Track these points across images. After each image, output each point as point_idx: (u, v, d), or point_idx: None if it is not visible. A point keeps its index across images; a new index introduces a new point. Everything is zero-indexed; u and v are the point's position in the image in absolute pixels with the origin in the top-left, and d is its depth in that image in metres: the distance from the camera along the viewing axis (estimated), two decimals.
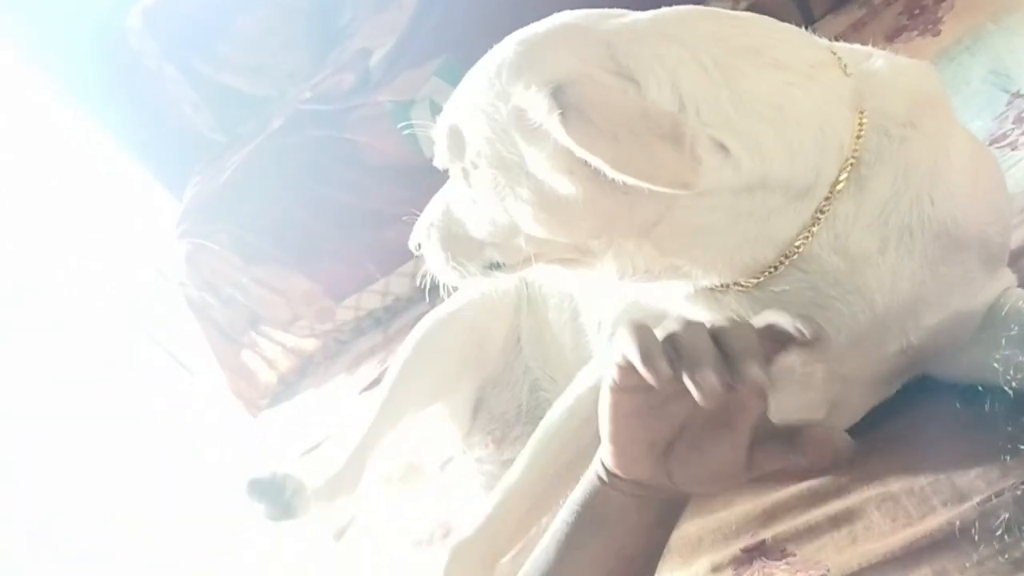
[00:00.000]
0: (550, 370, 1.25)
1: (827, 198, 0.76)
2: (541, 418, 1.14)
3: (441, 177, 2.59)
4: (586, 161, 0.72)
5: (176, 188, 2.94)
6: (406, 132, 2.34)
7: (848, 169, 0.76)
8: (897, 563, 0.79)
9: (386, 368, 2.28)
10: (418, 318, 2.54)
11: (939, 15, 1.62)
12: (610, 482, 0.72)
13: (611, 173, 0.70)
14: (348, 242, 2.57)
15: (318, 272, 2.62)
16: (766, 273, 0.80)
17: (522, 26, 2.36)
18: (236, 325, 2.70)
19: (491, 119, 0.80)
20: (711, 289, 0.84)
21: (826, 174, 0.76)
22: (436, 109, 2.57)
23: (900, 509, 0.83)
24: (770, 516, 0.95)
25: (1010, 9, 1.46)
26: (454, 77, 2.28)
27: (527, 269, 0.90)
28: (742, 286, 0.82)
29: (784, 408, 0.87)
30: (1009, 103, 1.27)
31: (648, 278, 0.84)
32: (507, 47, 0.83)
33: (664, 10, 0.82)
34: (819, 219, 0.77)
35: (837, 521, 0.88)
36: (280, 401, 2.76)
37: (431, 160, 2.57)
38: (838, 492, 0.90)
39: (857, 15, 1.78)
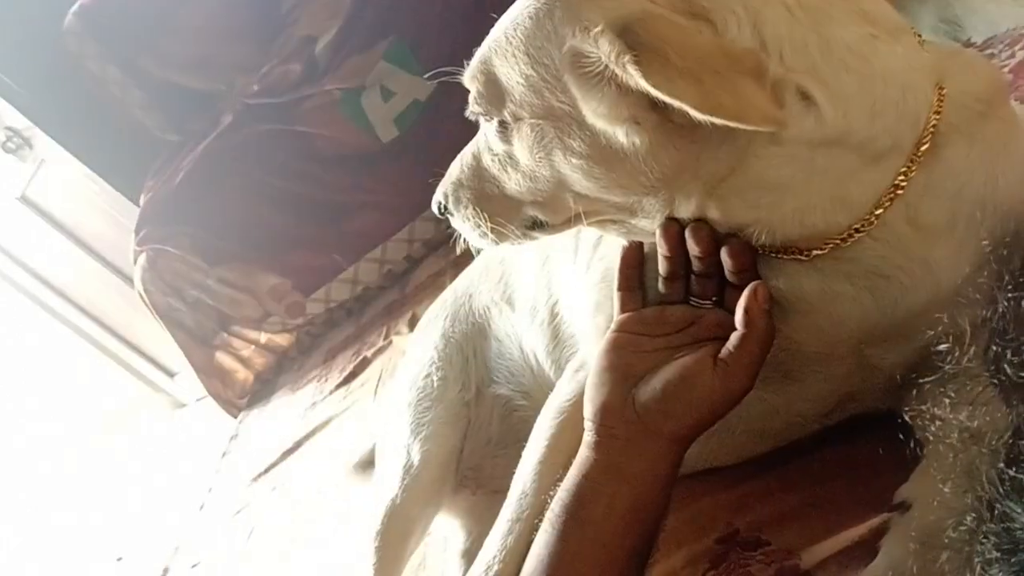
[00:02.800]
0: (525, 386, 1.23)
1: (907, 167, 0.72)
2: (515, 438, 1.13)
3: (404, 160, 2.55)
4: (653, 107, 0.67)
5: (134, 194, 2.88)
6: (360, 119, 2.30)
7: (928, 140, 0.72)
8: (867, 547, 0.78)
9: (362, 359, 2.27)
10: (389, 305, 2.55)
11: None
12: (588, 440, 0.78)
13: (696, 115, 0.63)
14: (312, 234, 2.53)
15: (285, 266, 2.58)
16: (837, 241, 0.74)
17: (473, 3, 2.29)
18: (206, 327, 2.66)
19: (538, 64, 0.74)
20: (761, 253, 0.77)
21: (903, 141, 0.71)
22: (387, 94, 2.53)
23: (870, 492, 0.82)
24: (742, 504, 0.94)
25: None
26: (403, 60, 2.26)
27: (573, 228, 0.84)
28: (805, 254, 0.75)
29: (799, 397, 0.85)
30: None
31: None
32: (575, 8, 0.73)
33: None
34: (901, 186, 0.72)
35: (808, 508, 0.87)
36: (258, 400, 2.73)
37: (388, 144, 2.54)
38: (810, 478, 0.89)
39: None
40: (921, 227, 0.73)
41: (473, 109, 0.82)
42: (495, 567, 0.92)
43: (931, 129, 0.72)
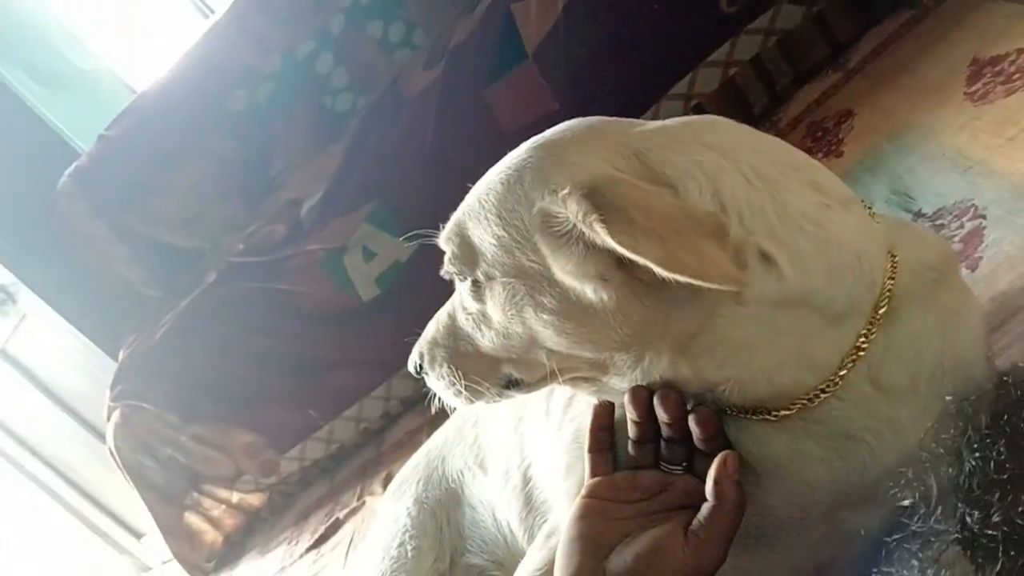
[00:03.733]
0: (499, 556, 1.20)
1: (867, 329, 0.74)
2: None
3: (383, 318, 2.56)
4: (619, 265, 0.70)
5: (114, 351, 2.88)
6: (341, 278, 2.34)
7: (884, 304, 0.75)
8: None
9: (334, 520, 2.21)
10: (364, 464, 2.50)
11: (840, 136, 1.68)
12: None
13: (660, 272, 0.66)
14: (288, 391, 2.51)
15: (259, 424, 2.55)
16: (804, 402, 0.75)
17: (449, 171, 2.39)
18: (176, 486, 2.59)
19: (509, 225, 0.77)
20: (730, 415, 0.78)
21: (860, 304, 0.74)
22: (369, 255, 2.59)
23: None
24: None
25: (904, 128, 1.52)
26: (384, 222, 2.33)
27: (548, 385, 0.85)
28: (773, 415, 0.76)
29: (776, 565, 0.83)
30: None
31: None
32: (525, 153, 0.80)
33: (695, 118, 0.81)
34: (862, 348, 0.74)
35: None
36: (226, 564, 2.63)
37: (368, 302, 2.56)
38: None
39: None
40: (883, 388, 0.75)
41: (448, 269, 0.85)
42: None
43: (887, 293, 0.75)
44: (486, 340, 0.84)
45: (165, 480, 2.58)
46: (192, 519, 2.64)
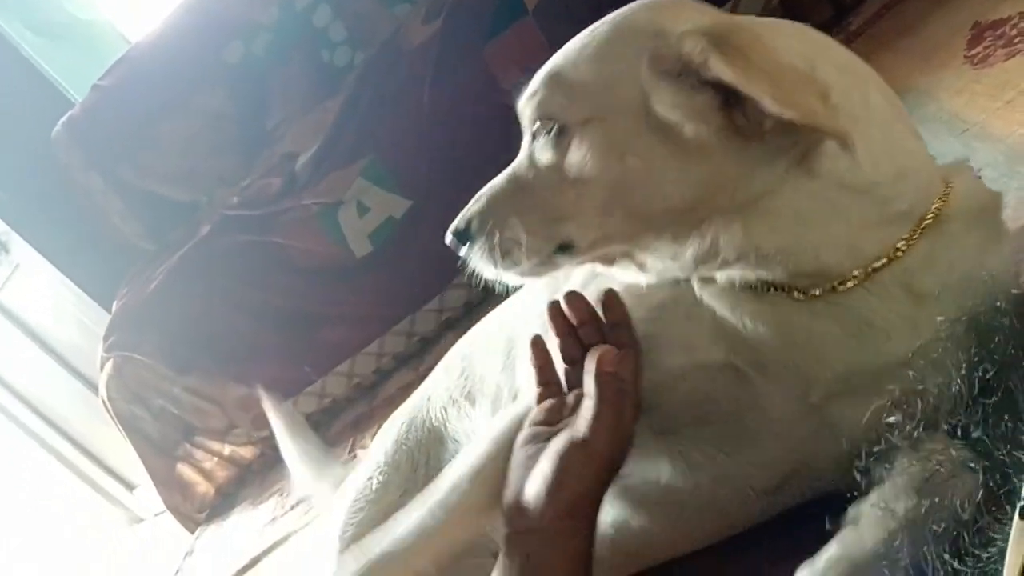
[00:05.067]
0: None
1: (910, 235, 0.78)
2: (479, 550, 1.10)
3: (376, 275, 2.56)
4: (721, 108, 0.74)
5: (107, 303, 2.88)
6: (335, 233, 2.34)
7: (932, 217, 0.79)
8: None
9: None
10: (356, 418, 2.52)
11: None
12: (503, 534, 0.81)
13: (771, 108, 0.69)
14: (282, 345, 2.52)
15: (253, 377, 2.55)
16: (835, 284, 0.79)
17: (446, 127, 2.36)
18: (169, 438, 2.61)
19: (614, 65, 0.80)
20: (753, 289, 0.81)
21: (913, 211, 0.79)
22: (363, 209, 2.57)
23: None
24: None
25: (903, 90, 1.51)
26: (380, 177, 2.32)
27: (594, 255, 0.86)
28: (801, 293, 0.80)
29: (752, 462, 0.85)
30: None
31: (709, 268, 0.82)
32: (635, 6, 0.84)
33: (777, 19, 0.86)
34: (901, 250, 0.78)
35: None
36: (218, 515, 2.65)
37: (361, 259, 2.56)
38: None
39: None
40: (912, 291, 0.79)
41: (534, 120, 0.86)
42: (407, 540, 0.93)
43: (935, 210, 0.80)
44: (556, 194, 0.84)
45: (158, 431, 2.60)
46: (184, 470, 2.66)
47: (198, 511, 2.70)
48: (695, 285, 0.86)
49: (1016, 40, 1.38)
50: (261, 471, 2.68)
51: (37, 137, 2.84)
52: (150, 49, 2.85)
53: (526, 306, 1.16)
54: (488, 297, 2.19)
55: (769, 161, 0.75)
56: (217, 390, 2.55)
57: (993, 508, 0.59)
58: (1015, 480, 0.45)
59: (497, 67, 2.10)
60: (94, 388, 3.02)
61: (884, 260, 0.78)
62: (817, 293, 0.79)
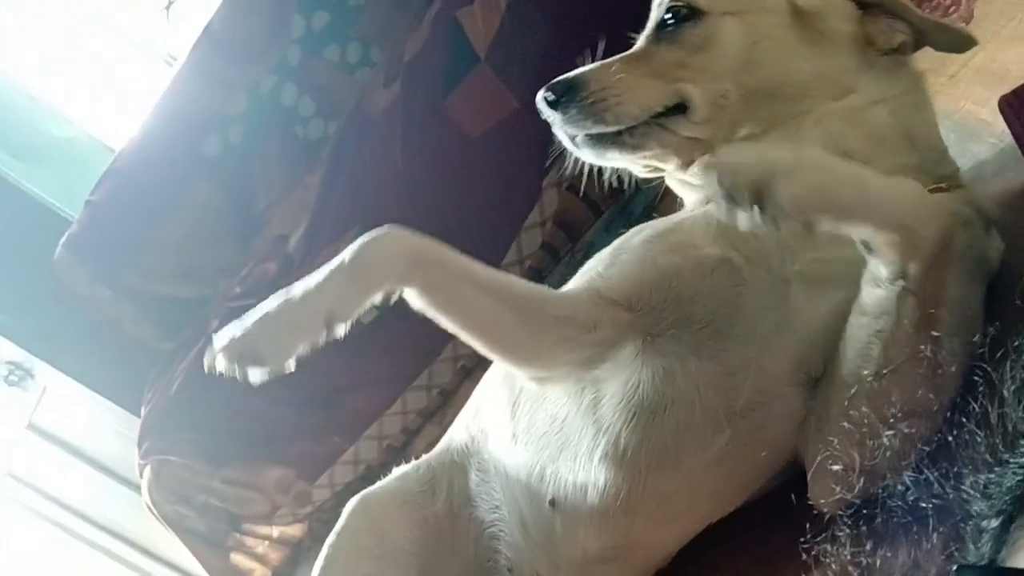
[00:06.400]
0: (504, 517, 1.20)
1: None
2: (492, 565, 1.12)
3: (384, 337, 2.58)
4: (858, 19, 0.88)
5: (136, 407, 2.94)
6: None
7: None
8: None
9: None
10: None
11: None
12: None
13: (918, 16, 0.87)
14: (308, 421, 2.56)
15: (286, 457, 2.60)
16: None
17: (422, 186, 2.38)
18: (217, 530, 2.65)
19: None
20: None
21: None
22: None
23: None
24: None
25: None
26: None
27: (707, 125, 0.90)
28: None
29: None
30: None
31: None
32: None
33: None
34: None
35: None
36: None
37: (370, 324, 2.58)
38: None
39: None
40: None
41: (663, 10, 0.93)
42: None
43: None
44: (681, 62, 0.90)
45: (205, 526, 2.65)
46: (238, 559, 2.70)
47: None
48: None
49: (951, 9, 1.38)
50: (313, 547, 2.70)
51: (40, 261, 2.92)
52: (133, 156, 2.93)
53: None
54: None
55: (877, 77, 0.87)
56: (254, 476, 2.59)
57: None
58: None
59: (461, 118, 2.13)
60: (138, 490, 3.08)
61: None
62: None
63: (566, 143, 0.98)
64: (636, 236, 0.99)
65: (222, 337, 0.99)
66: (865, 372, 0.79)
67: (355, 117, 2.44)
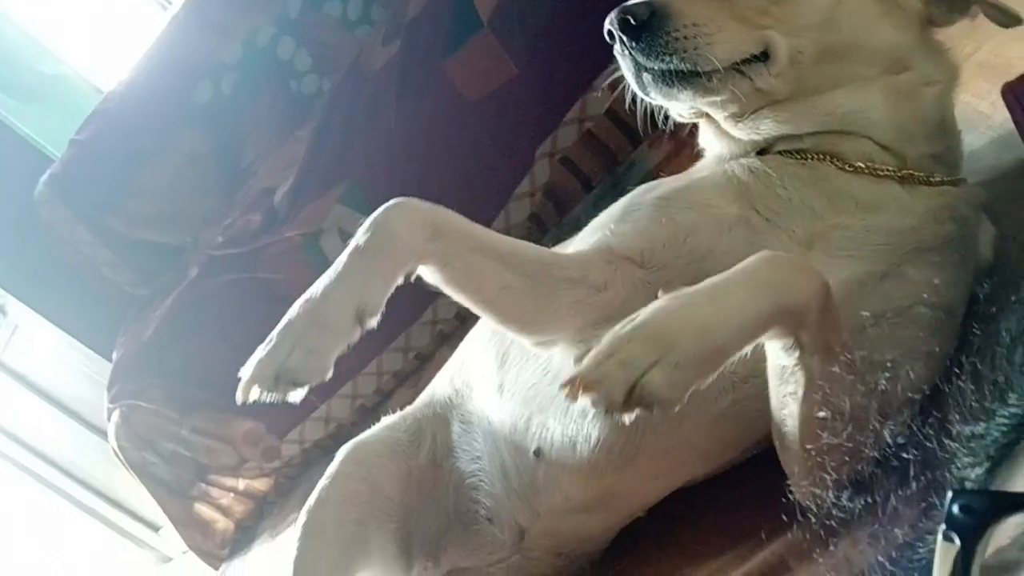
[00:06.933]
0: (487, 468, 1.17)
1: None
2: (471, 515, 1.13)
3: None
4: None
5: (108, 352, 2.91)
6: (321, 261, 2.36)
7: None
8: None
9: None
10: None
11: None
12: None
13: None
14: None
15: (256, 410, 2.57)
16: (873, 168, 0.90)
17: (415, 145, 2.37)
18: (183, 479, 2.64)
19: None
20: (799, 157, 0.92)
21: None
22: (345, 235, 2.59)
23: None
24: None
25: None
26: (358, 202, 2.34)
27: (786, 77, 0.90)
28: (846, 164, 0.90)
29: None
30: None
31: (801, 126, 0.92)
32: None
33: None
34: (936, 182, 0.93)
35: None
36: (239, 549, 2.69)
37: None
38: None
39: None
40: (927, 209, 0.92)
41: None
42: None
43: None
44: (765, 9, 0.89)
45: (171, 474, 2.63)
46: (202, 509, 2.69)
47: (220, 548, 2.74)
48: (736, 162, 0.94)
49: None
50: (278, 501, 2.71)
51: (21, 198, 2.88)
52: (122, 98, 2.88)
53: None
54: None
55: (930, 59, 0.91)
56: (223, 427, 2.58)
57: None
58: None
59: (459, 82, 2.12)
60: (106, 437, 3.06)
61: (923, 177, 0.90)
62: (862, 167, 0.89)
63: (628, 74, 0.92)
64: (649, 193, 0.98)
65: (249, 366, 0.96)
66: (787, 429, 0.81)
67: (351, 74, 2.41)
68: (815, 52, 0.89)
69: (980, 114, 1.12)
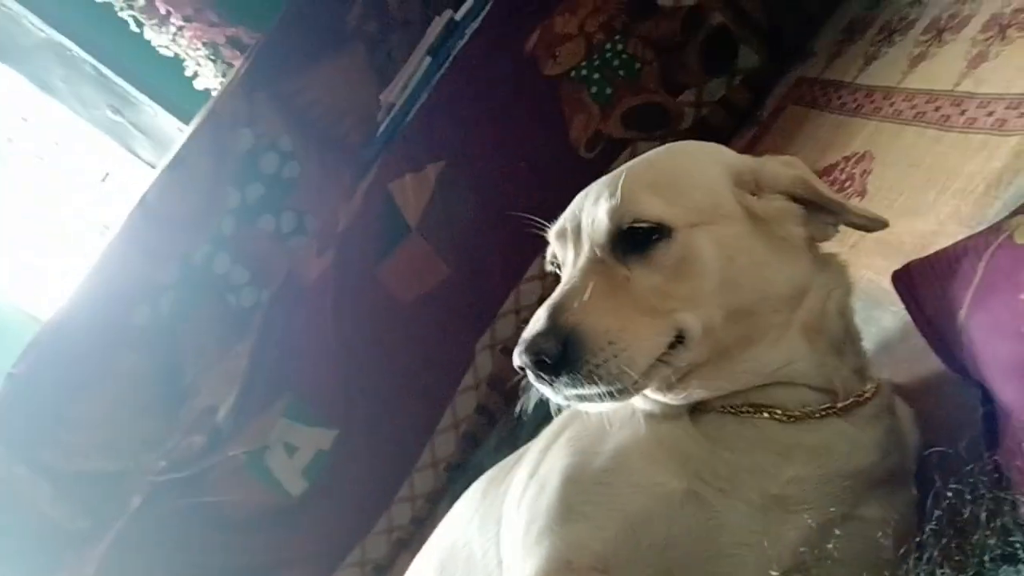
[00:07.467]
0: None
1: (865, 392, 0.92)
2: None
3: (317, 509, 2.50)
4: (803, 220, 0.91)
5: None
6: (267, 478, 2.31)
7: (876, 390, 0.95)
8: None
9: None
10: None
11: None
12: None
13: (855, 214, 0.91)
14: None
15: None
16: (819, 410, 0.89)
17: (354, 352, 2.38)
18: None
19: (710, 182, 0.92)
20: (736, 414, 0.90)
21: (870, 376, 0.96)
22: (291, 449, 2.56)
23: None
24: None
25: None
26: (302, 414, 2.33)
27: (702, 347, 0.88)
28: (786, 415, 0.89)
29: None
30: None
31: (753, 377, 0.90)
32: (693, 145, 1.01)
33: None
34: (868, 397, 0.92)
35: None
36: None
37: (298, 497, 2.52)
38: None
39: None
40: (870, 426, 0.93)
41: (613, 232, 0.89)
42: None
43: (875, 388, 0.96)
44: (664, 290, 0.86)
45: None
46: None
47: None
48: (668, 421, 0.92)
49: (847, 184, 1.49)
50: None
51: None
52: (59, 328, 2.86)
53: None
54: (434, 509, 2.16)
55: (822, 272, 0.92)
56: None
57: None
58: None
59: (393, 285, 2.17)
60: None
61: (855, 399, 0.90)
62: (808, 412, 0.89)
63: (544, 390, 0.86)
64: (567, 450, 0.95)
65: None
66: None
67: (287, 285, 2.46)
68: (724, 316, 0.87)
69: (884, 291, 1.18)
